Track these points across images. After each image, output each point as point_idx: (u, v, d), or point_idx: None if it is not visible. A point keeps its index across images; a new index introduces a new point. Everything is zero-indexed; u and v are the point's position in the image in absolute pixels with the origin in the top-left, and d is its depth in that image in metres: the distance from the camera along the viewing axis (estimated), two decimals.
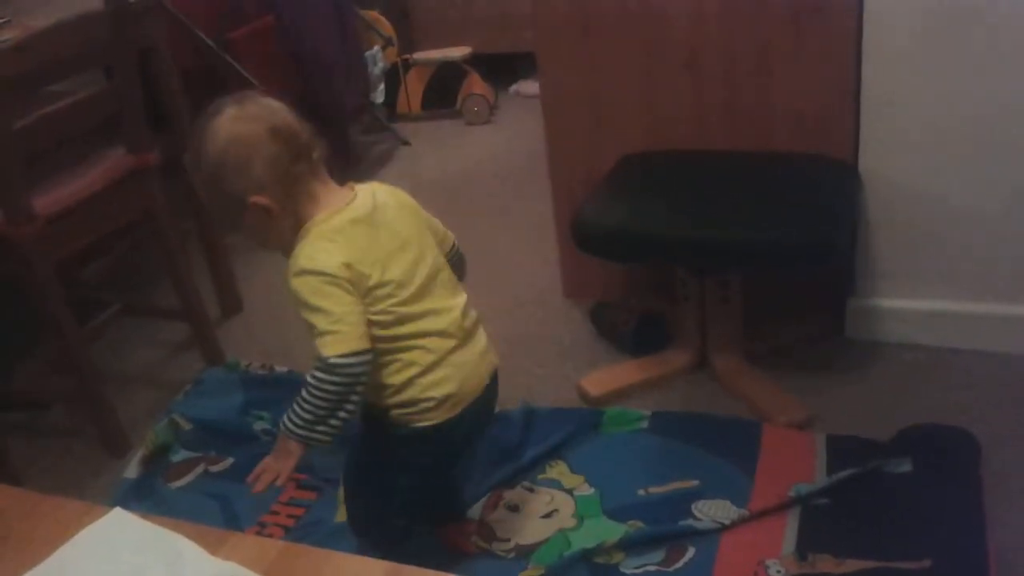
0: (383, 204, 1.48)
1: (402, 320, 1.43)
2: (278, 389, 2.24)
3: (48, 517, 1.01)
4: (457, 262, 1.62)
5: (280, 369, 2.39)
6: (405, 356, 1.44)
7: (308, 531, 1.87)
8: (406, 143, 3.98)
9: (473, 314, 1.55)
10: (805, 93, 2.14)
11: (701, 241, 1.97)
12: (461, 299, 1.54)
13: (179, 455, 2.11)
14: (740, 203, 2.03)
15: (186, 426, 2.17)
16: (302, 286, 1.37)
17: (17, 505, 1.03)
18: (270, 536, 1.87)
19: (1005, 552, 1.60)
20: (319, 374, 1.36)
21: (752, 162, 2.19)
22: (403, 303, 1.43)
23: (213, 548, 0.93)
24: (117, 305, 2.59)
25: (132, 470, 2.10)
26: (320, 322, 1.36)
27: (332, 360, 1.35)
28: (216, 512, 1.94)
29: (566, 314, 2.57)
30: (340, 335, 1.35)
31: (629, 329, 2.33)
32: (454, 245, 1.63)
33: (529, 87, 4.23)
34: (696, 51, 2.20)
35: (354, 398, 1.39)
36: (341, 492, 1.92)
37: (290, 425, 1.40)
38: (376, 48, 3.97)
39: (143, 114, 2.24)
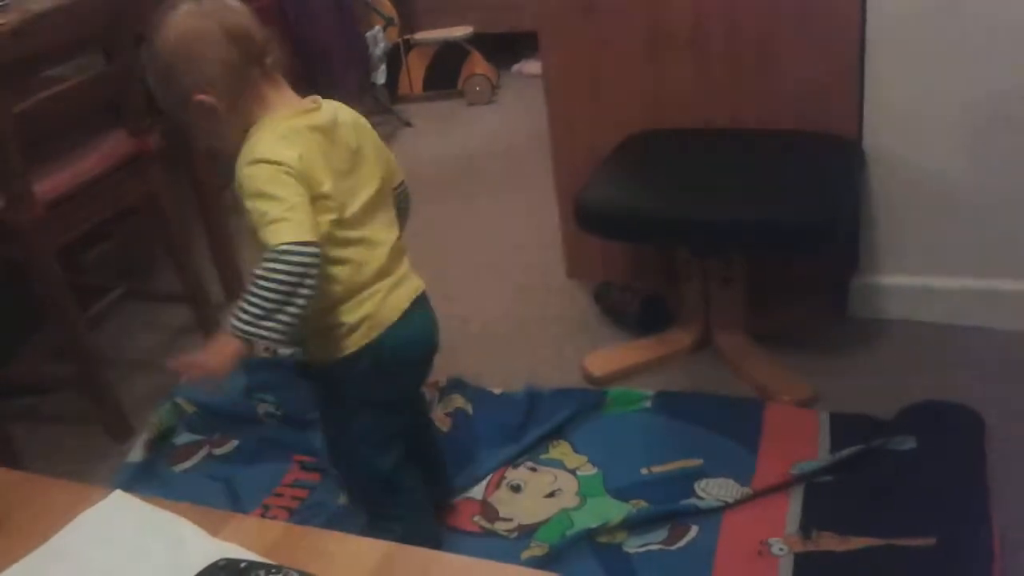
0: (343, 122, 1.47)
1: (334, 241, 1.40)
2: (281, 372, 2.24)
3: (49, 500, 1.00)
4: (402, 203, 1.60)
5: (283, 351, 2.38)
6: (328, 274, 1.40)
7: (312, 513, 1.87)
8: (408, 124, 3.97)
9: (400, 246, 1.53)
10: (809, 71, 2.12)
11: (703, 222, 1.96)
12: (393, 235, 1.52)
13: (183, 438, 2.12)
14: (742, 183, 2.01)
15: (190, 409, 2.18)
16: (257, 172, 1.33)
17: (17, 488, 1.03)
18: (274, 518, 1.88)
19: (1009, 529, 1.60)
20: (268, 264, 1.28)
21: (755, 141, 2.18)
22: (340, 224, 1.41)
23: (214, 530, 0.93)
24: (119, 290, 2.59)
25: (136, 454, 2.10)
26: (272, 208, 1.30)
27: (284, 247, 1.28)
28: (220, 494, 1.95)
29: (569, 294, 2.56)
30: (292, 223, 1.30)
31: (632, 309, 2.33)
32: (402, 183, 1.61)
33: (531, 67, 4.21)
34: (699, 29, 2.19)
35: (304, 292, 1.30)
36: None
37: (236, 322, 1.30)
38: (377, 28, 3.95)
39: (143, 98, 2.23)
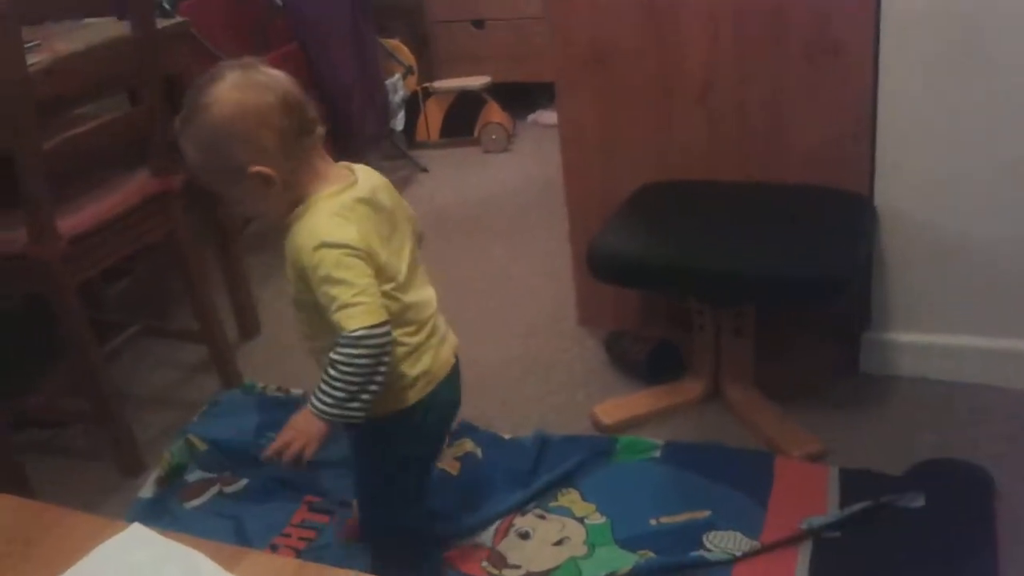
0: (378, 187, 1.48)
1: (396, 306, 1.44)
2: (292, 411, 2.25)
3: (67, 531, 1.02)
4: (419, 243, 1.63)
5: (296, 392, 2.41)
6: (395, 339, 1.42)
7: (319, 554, 1.87)
8: (424, 170, 4.03)
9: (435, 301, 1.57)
10: (820, 128, 2.16)
11: (714, 274, 1.98)
12: (433, 291, 1.56)
13: (194, 475, 2.13)
14: (754, 235, 2.04)
15: (202, 446, 2.19)
16: (324, 258, 1.34)
17: (37, 519, 1.04)
18: None
19: None
20: (347, 349, 1.33)
21: (767, 194, 2.21)
22: (398, 289, 1.45)
23: (229, 565, 0.95)
24: (136, 326, 2.61)
25: (147, 489, 2.11)
26: (343, 294, 1.34)
27: (360, 332, 1.33)
28: (229, 532, 1.95)
29: (580, 342, 2.58)
30: (365, 306, 1.34)
31: (643, 358, 2.34)
32: (420, 231, 1.63)
33: (547, 117, 4.27)
34: (710, 85, 2.23)
35: (382, 370, 1.37)
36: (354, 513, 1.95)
37: (321, 406, 1.36)
38: (397, 76, 4.02)
39: (168, 138, 2.28)
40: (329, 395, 1.36)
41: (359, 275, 1.35)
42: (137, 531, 1.00)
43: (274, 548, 1.91)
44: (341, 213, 1.39)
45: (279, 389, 2.45)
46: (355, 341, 1.33)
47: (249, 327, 2.79)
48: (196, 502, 2.05)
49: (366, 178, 1.47)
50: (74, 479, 2.23)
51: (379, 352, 1.35)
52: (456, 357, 1.60)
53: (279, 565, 0.98)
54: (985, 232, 2.08)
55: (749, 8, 2.14)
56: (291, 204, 1.42)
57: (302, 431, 1.38)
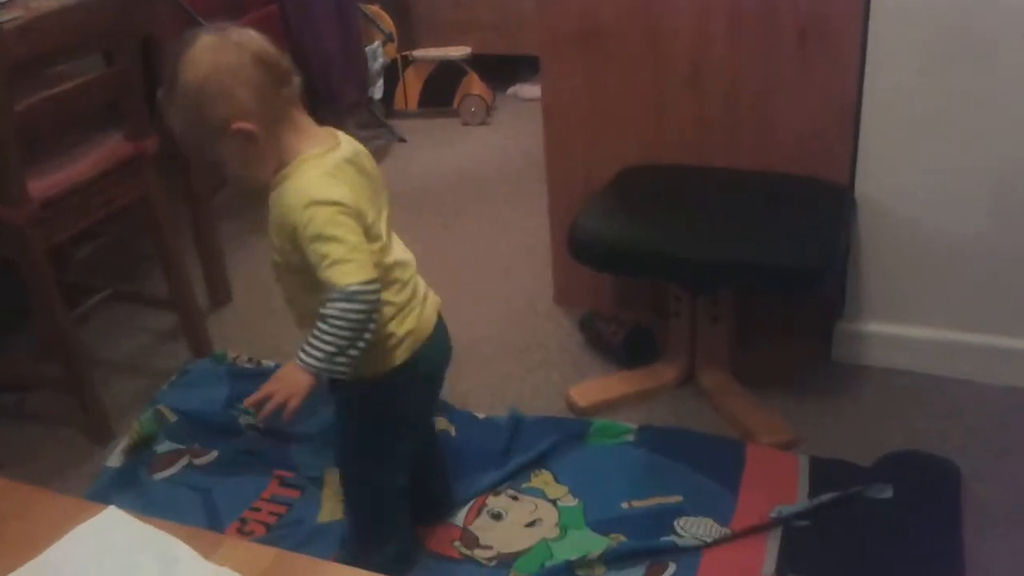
0: (360, 151, 1.50)
1: (383, 267, 1.45)
2: (263, 382, 2.23)
3: (42, 513, 1.00)
4: None
5: (267, 363, 2.38)
6: (383, 297, 1.44)
7: (289, 530, 1.87)
8: (402, 140, 3.98)
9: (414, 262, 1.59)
10: (806, 115, 2.16)
11: (695, 260, 1.98)
12: (410, 253, 1.58)
13: (164, 446, 2.10)
14: (736, 223, 2.04)
15: (171, 417, 2.17)
16: (317, 214, 1.35)
17: (10, 500, 1.02)
18: (251, 532, 1.88)
19: None
20: (340, 304, 1.34)
21: (749, 181, 2.21)
22: (383, 250, 1.47)
23: (207, 552, 0.93)
24: (107, 291, 2.57)
25: (115, 459, 2.09)
26: (336, 250, 1.35)
27: (354, 287, 1.34)
28: (198, 505, 1.94)
29: (556, 321, 2.58)
30: (358, 263, 1.36)
31: (618, 340, 2.34)
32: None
33: (527, 90, 4.23)
34: (699, 68, 2.22)
35: (371, 327, 1.38)
36: (324, 492, 1.94)
37: (308, 359, 1.36)
38: (376, 43, 3.96)
39: (143, 100, 2.23)
40: (318, 348, 1.36)
41: (350, 232, 1.36)
42: (112, 514, 0.98)
43: (243, 522, 1.90)
44: (330, 172, 1.40)
45: (250, 360, 2.42)
46: (349, 296, 1.34)
47: (220, 295, 2.76)
48: (165, 473, 2.03)
49: (349, 141, 1.49)
50: (41, 446, 2.20)
51: (370, 308, 1.37)
52: (440, 315, 1.61)
53: (257, 553, 0.96)
54: (962, 227, 2.10)
55: None
56: (277, 165, 1.42)
57: (287, 383, 1.38)
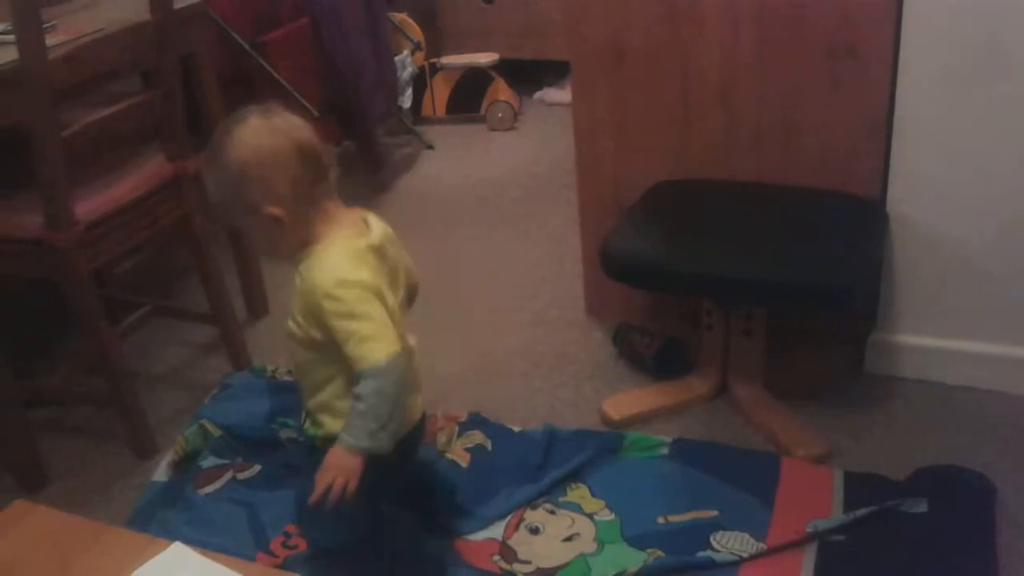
0: (387, 238, 1.56)
1: None
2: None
3: (106, 549, 1.04)
4: (411, 295, 1.68)
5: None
6: None
7: None
8: (430, 147, 4.01)
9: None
10: (835, 131, 2.17)
11: (728, 278, 1.99)
12: (414, 339, 1.61)
13: (208, 461, 2.14)
14: (768, 240, 2.05)
15: (215, 432, 2.20)
16: (347, 294, 1.43)
17: (79, 535, 1.06)
18: (295, 547, 1.92)
19: None
20: (374, 381, 1.41)
21: (781, 197, 2.22)
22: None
23: None
24: (148, 306, 2.62)
25: (161, 473, 2.14)
26: (366, 328, 1.42)
27: (386, 363, 1.41)
28: (243, 520, 1.98)
29: (588, 333, 2.60)
30: (386, 339, 1.42)
31: (651, 353, 2.36)
32: (416, 282, 1.69)
33: (554, 95, 4.26)
34: (729, 84, 2.23)
35: (403, 397, 1.45)
36: None
37: (353, 440, 1.43)
38: (405, 52, 3.99)
39: (184, 122, 2.27)
40: (361, 427, 1.43)
41: (378, 310, 1.44)
42: (178, 550, 1.02)
43: (287, 536, 1.94)
44: (355, 257, 1.47)
45: (289, 372, 2.46)
46: (380, 372, 1.41)
47: (257, 308, 2.81)
48: (210, 488, 2.07)
49: (377, 227, 1.55)
50: (87, 460, 2.25)
51: (402, 380, 1.44)
52: (423, 413, 1.67)
53: None
54: (993, 240, 2.10)
55: (770, 7, 2.14)
56: (301, 244, 1.49)
57: (341, 468, 1.44)
